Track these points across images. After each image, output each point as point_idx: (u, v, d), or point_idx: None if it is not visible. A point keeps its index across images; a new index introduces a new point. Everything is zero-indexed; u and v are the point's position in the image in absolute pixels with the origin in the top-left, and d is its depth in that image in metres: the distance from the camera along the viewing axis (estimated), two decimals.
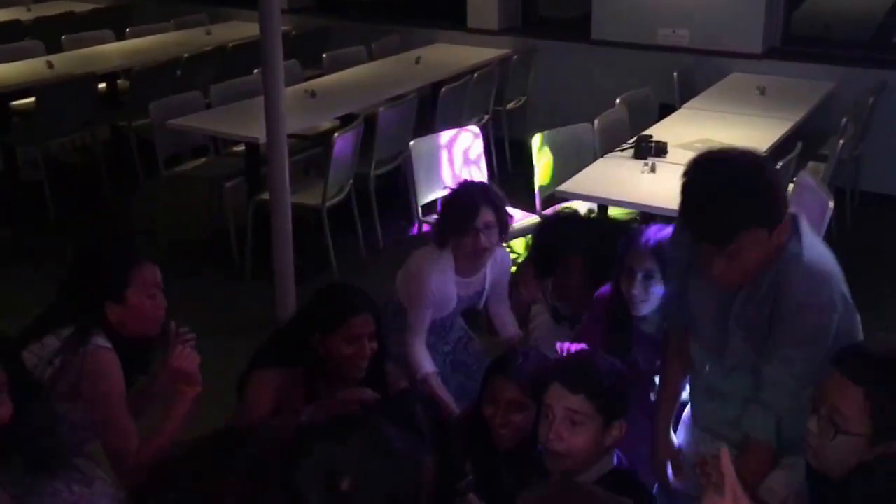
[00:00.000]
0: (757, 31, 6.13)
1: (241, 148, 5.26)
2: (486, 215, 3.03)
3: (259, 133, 4.17)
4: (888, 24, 6.33)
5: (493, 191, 3.15)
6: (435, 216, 3.28)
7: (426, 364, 3.05)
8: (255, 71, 5.73)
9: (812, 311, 2.03)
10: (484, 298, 3.25)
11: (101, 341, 2.33)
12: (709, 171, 1.99)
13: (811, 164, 5.06)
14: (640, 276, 2.58)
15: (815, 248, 2.09)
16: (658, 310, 2.60)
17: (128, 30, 7.39)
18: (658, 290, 2.59)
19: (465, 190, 3.15)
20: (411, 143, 4.66)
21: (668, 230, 2.60)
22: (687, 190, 1.99)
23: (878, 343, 1.89)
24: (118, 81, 6.64)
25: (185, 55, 6.44)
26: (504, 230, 3.13)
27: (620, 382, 2.15)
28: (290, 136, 3.97)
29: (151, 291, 2.43)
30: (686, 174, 2.00)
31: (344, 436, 1.54)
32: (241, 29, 7.36)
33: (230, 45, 6.83)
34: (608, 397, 2.07)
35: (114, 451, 2.35)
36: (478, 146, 4.90)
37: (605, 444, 2.09)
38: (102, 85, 6.41)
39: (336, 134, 4.76)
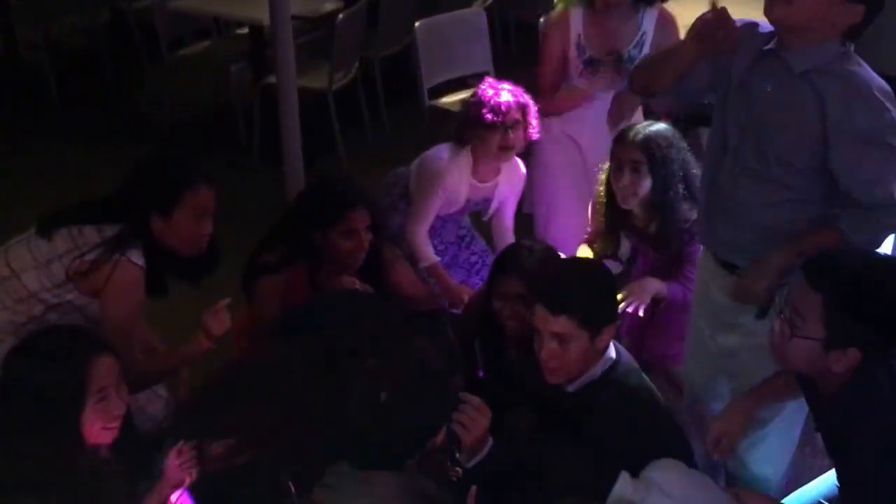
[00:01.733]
0: None
1: (245, 31, 5.21)
2: (516, 114, 3.08)
3: (263, 15, 4.13)
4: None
5: (525, 98, 3.16)
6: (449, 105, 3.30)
7: (430, 254, 3.17)
8: None
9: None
10: (492, 208, 3.32)
11: (136, 257, 2.38)
12: None
13: None
14: (627, 168, 2.71)
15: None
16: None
17: None
18: (646, 182, 2.69)
19: (496, 87, 3.15)
20: (416, 24, 4.62)
21: (657, 125, 2.77)
22: None
23: (847, 254, 1.99)
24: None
25: None
26: (527, 137, 3.16)
27: (603, 291, 2.20)
28: (293, 17, 3.94)
29: (199, 213, 2.45)
30: None
31: (387, 352, 1.63)
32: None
33: None
34: (590, 311, 2.12)
35: None
36: (482, 29, 4.86)
37: (598, 348, 2.16)
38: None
39: (339, 16, 4.72)
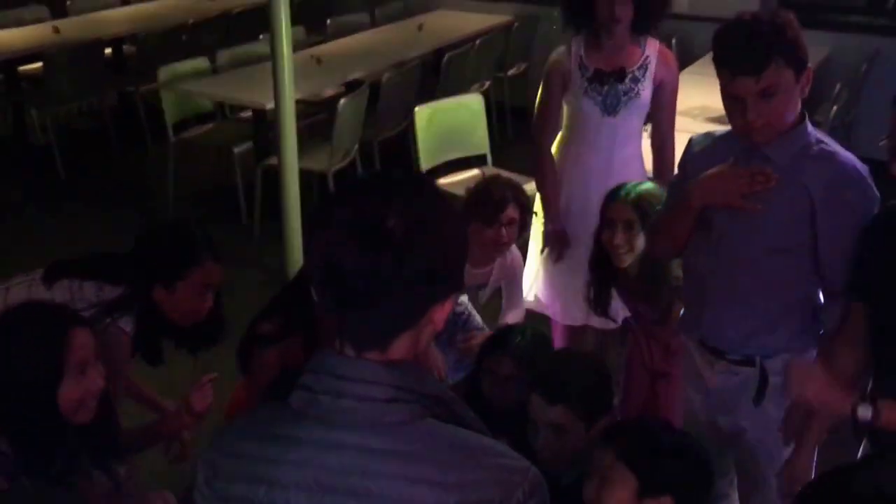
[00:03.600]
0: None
1: (248, 113, 5.36)
2: (512, 212, 3.13)
3: (266, 98, 4.27)
4: None
5: (523, 190, 3.24)
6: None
7: None
8: (261, 37, 5.82)
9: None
10: (486, 294, 3.35)
11: (125, 323, 2.36)
12: (739, 20, 2.14)
13: None
14: (620, 226, 2.71)
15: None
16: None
17: None
18: (640, 240, 2.71)
19: (498, 182, 3.24)
20: (416, 109, 4.77)
21: (647, 184, 2.79)
22: (724, 32, 2.13)
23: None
24: (124, 47, 6.73)
25: (191, 20, 6.52)
26: (523, 230, 3.24)
27: (600, 381, 2.22)
28: (296, 101, 4.08)
29: (203, 288, 2.44)
30: (719, 29, 2.15)
31: None
32: None
33: (235, 10, 6.90)
34: (588, 402, 2.13)
35: None
36: (480, 113, 5.01)
37: (593, 436, 2.14)
38: (108, 50, 6.50)
39: (341, 100, 4.87)
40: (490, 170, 4.50)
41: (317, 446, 1.21)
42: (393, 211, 1.18)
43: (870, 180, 2.17)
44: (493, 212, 3.12)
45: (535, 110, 3.42)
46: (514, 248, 3.37)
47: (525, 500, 1.21)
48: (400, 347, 1.24)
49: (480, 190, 3.22)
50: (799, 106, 2.17)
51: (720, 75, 2.15)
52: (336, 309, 1.23)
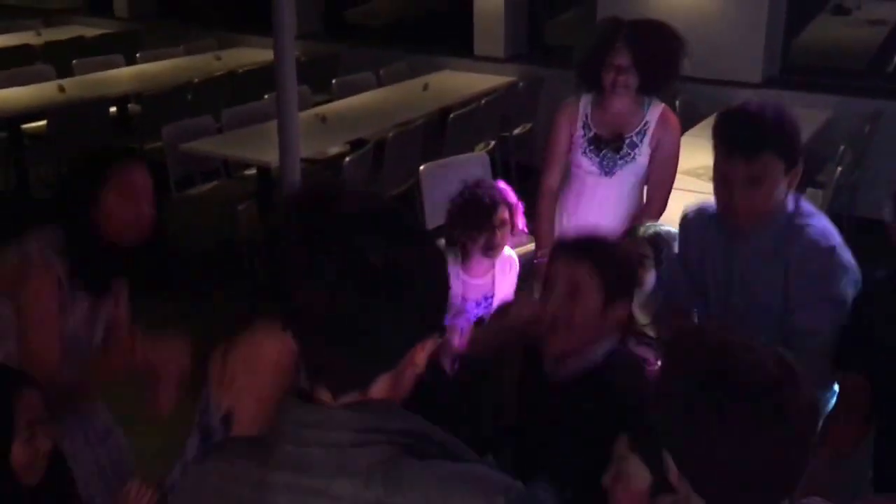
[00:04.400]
0: (756, 60, 6.27)
1: (252, 171, 5.36)
2: (503, 213, 3.15)
3: (271, 157, 4.27)
4: (882, 55, 6.47)
5: (506, 190, 3.25)
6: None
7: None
8: (266, 96, 5.86)
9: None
10: (495, 303, 3.30)
11: (50, 253, 2.27)
12: (745, 106, 2.27)
13: (809, 190, 5.17)
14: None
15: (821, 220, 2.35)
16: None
17: (138, 54, 7.52)
18: (651, 277, 2.73)
19: (483, 186, 3.24)
20: (421, 168, 4.77)
21: (666, 226, 2.85)
22: (729, 112, 2.28)
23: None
24: (129, 106, 6.76)
25: (196, 80, 6.56)
26: (513, 229, 3.23)
27: (628, 262, 2.20)
28: (301, 160, 4.07)
29: (130, 193, 2.31)
30: (725, 110, 2.31)
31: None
32: (249, 54, 7.50)
33: (240, 70, 6.95)
34: (613, 271, 2.07)
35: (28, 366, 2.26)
36: (485, 171, 5.00)
37: (607, 321, 2.07)
38: (113, 109, 6.53)
39: (346, 158, 4.87)
40: None
41: (292, 492, 1.19)
42: (376, 247, 1.15)
43: (840, 250, 2.26)
44: (485, 217, 3.11)
45: (544, 149, 3.56)
46: (514, 255, 3.36)
47: None
48: (380, 389, 1.21)
49: (468, 198, 3.20)
50: (783, 196, 2.26)
51: (715, 152, 2.26)
52: (312, 350, 1.20)
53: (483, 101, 6.09)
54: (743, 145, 2.17)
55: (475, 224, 3.14)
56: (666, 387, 1.42)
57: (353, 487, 1.16)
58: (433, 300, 1.22)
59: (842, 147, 5.11)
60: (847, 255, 2.29)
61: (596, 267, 2.03)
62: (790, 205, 2.30)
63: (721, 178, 2.24)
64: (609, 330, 2.08)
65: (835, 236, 2.30)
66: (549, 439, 2.04)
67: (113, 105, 6.43)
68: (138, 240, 2.37)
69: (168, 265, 2.53)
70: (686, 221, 2.53)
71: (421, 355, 1.23)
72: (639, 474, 1.78)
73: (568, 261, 2.07)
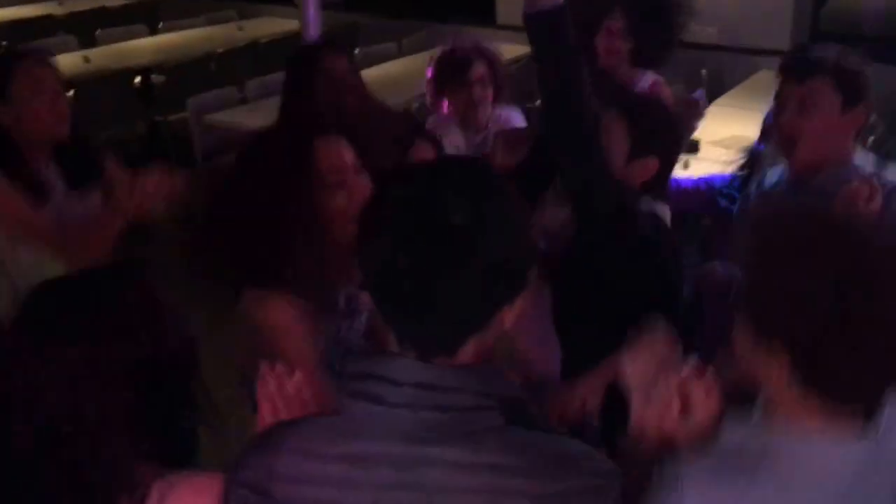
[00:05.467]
0: (785, 27, 6.17)
1: None
2: (479, 68, 3.06)
3: None
4: None
5: (486, 46, 3.19)
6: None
7: None
8: None
9: None
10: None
11: None
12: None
13: None
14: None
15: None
16: None
17: (160, 24, 7.51)
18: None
19: (459, 44, 3.20)
20: None
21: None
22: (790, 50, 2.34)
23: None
24: (152, 76, 6.76)
25: (219, 50, 6.54)
26: (500, 87, 3.16)
27: (667, 122, 2.26)
28: None
29: (37, 88, 2.35)
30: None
31: None
32: (271, 24, 7.46)
33: (262, 40, 6.92)
34: (641, 125, 2.17)
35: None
36: None
37: (632, 171, 2.16)
38: (137, 79, 6.53)
39: None
40: None
41: (399, 465, 1.11)
42: (458, 206, 1.10)
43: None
44: (460, 72, 3.05)
45: None
46: (508, 109, 3.30)
47: (608, 499, 1.14)
48: (468, 352, 1.16)
49: (443, 57, 3.17)
50: (846, 142, 2.18)
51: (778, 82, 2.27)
52: (397, 315, 1.15)
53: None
54: (798, 66, 2.19)
55: (453, 81, 3.06)
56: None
57: (472, 456, 1.11)
58: (519, 260, 1.17)
59: (874, 116, 5.03)
60: None
61: (628, 121, 2.14)
62: (861, 160, 2.22)
63: (777, 108, 2.24)
64: (635, 181, 2.16)
65: None
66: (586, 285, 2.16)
67: (137, 75, 6.44)
68: (58, 136, 2.40)
69: (92, 160, 2.47)
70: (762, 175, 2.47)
71: (509, 316, 1.17)
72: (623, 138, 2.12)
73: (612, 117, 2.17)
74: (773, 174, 2.38)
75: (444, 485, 1.10)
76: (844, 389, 1.24)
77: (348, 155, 1.82)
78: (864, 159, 2.26)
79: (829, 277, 1.19)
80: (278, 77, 5.86)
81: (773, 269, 1.24)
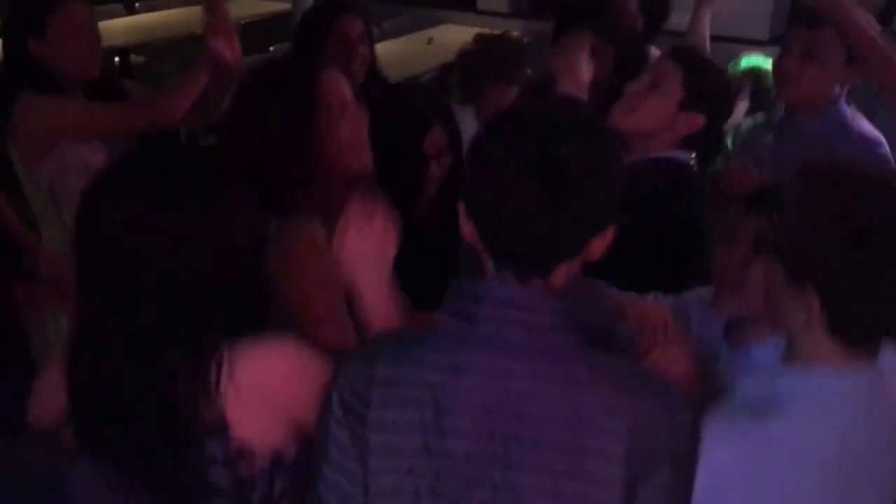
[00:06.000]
0: (765, 18, 6.24)
1: None
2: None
3: None
4: (890, 10, 6.43)
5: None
6: None
7: None
8: (271, 48, 5.79)
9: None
10: None
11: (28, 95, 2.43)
12: None
13: None
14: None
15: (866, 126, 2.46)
16: None
17: (137, 4, 7.42)
18: (744, 106, 3.02)
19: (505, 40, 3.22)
20: None
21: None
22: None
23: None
24: (131, 56, 6.69)
25: (199, 31, 6.47)
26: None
27: (720, 82, 2.27)
28: None
29: (75, 28, 2.46)
30: None
31: None
32: (254, 5, 7.40)
33: (242, 21, 6.86)
34: (699, 82, 2.20)
35: None
36: None
37: (677, 124, 2.20)
38: (116, 60, 6.45)
39: None
40: None
41: (482, 373, 1.22)
42: (571, 151, 1.20)
43: (885, 149, 2.41)
44: (514, 69, 3.04)
45: None
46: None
47: (684, 430, 1.24)
48: (559, 276, 1.27)
49: (488, 43, 3.12)
50: (839, 90, 2.40)
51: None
52: (499, 241, 1.26)
53: None
54: (808, 16, 2.36)
55: (503, 75, 2.98)
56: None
57: (550, 369, 1.21)
58: (614, 196, 1.27)
59: (851, 105, 5.11)
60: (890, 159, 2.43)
61: (681, 66, 2.17)
62: (843, 106, 2.42)
63: (783, 50, 2.40)
64: (677, 136, 2.19)
65: (884, 143, 2.41)
66: None
67: (116, 55, 6.37)
68: (90, 76, 2.53)
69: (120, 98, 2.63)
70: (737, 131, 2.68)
71: (600, 245, 1.28)
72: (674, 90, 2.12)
73: (662, 57, 2.24)
74: (748, 122, 2.57)
75: (526, 393, 1.20)
76: (863, 332, 1.35)
77: (348, 88, 1.93)
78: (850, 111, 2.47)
79: (859, 227, 1.29)
80: (260, 59, 5.85)
81: (810, 219, 1.33)
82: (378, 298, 1.55)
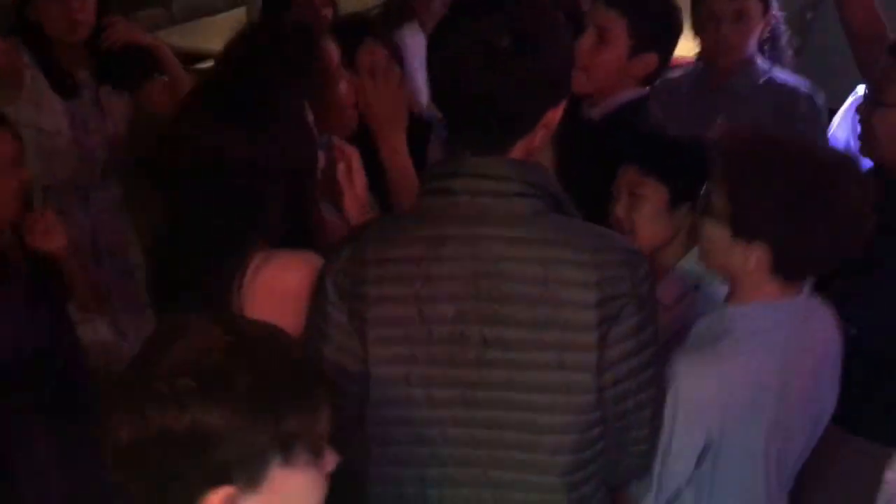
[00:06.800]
0: None
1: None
2: None
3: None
4: None
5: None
6: None
7: None
8: None
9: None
10: None
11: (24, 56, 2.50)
12: None
13: None
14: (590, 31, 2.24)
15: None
16: None
17: None
18: None
19: None
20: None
21: None
22: None
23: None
24: None
25: None
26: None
27: (664, 13, 2.18)
28: None
29: None
30: None
31: None
32: None
33: None
34: (645, 21, 2.12)
35: None
36: None
37: (636, 67, 2.15)
38: None
39: None
40: None
41: (462, 241, 1.33)
42: (507, 28, 1.29)
43: (817, 98, 2.52)
44: None
45: None
46: None
47: (644, 279, 1.35)
48: (517, 151, 1.36)
49: None
50: (756, 42, 2.53)
51: None
52: (459, 120, 1.35)
53: None
54: None
55: None
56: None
57: (520, 232, 1.32)
58: (561, 66, 1.36)
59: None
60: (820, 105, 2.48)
61: (626, 16, 2.10)
62: (763, 63, 2.52)
63: (708, 16, 2.47)
64: (635, 79, 2.16)
65: (808, 87, 2.52)
66: (580, 173, 1.98)
67: None
68: (80, 37, 2.54)
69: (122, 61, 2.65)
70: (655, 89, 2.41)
71: (553, 116, 1.36)
72: (654, 196, 1.88)
73: (602, 4, 2.13)
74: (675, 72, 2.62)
75: (502, 255, 1.32)
76: (800, 269, 1.59)
77: (335, 50, 2.00)
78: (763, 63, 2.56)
79: (801, 189, 1.51)
80: None
81: (754, 184, 1.53)
82: (398, 149, 1.76)
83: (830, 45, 5.43)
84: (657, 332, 1.39)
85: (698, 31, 2.53)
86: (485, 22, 1.30)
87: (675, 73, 2.61)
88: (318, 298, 1.41)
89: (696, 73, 2.64)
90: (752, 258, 1.54)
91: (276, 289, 1.54)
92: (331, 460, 1.14)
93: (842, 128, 2.70)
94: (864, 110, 2.04)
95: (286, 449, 1.08)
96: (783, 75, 2.56)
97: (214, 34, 3.30)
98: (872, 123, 2.00)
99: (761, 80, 2.50)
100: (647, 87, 2.20)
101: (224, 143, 1.55)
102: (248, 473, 1.07)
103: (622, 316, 1.32)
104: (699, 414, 1.52)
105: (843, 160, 1.63)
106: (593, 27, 2.12)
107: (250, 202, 1.58)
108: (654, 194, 1.90)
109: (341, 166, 1.73)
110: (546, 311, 1.31)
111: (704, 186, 1.63)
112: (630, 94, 2.16)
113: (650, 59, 2.15)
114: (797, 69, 5.58)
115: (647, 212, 1.91)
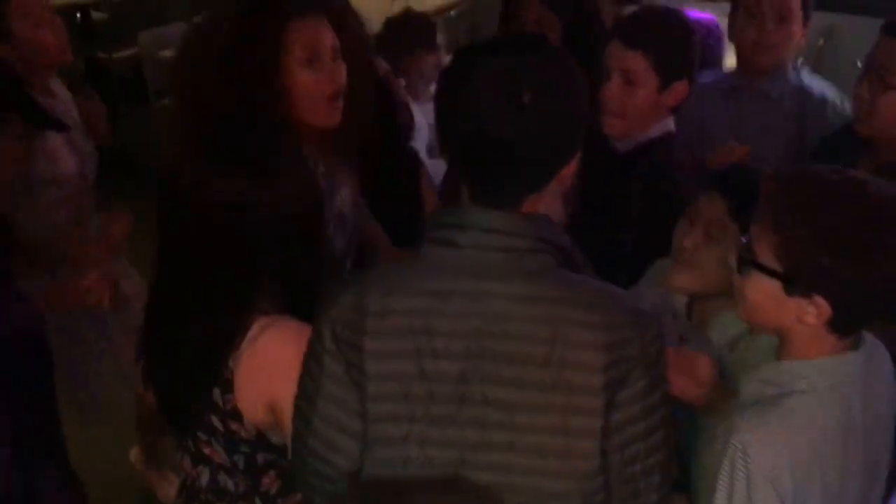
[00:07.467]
0: None
1: None
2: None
3: None
4: None
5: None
6: None
7: None
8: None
9: None
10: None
11: None
12: None
13: None
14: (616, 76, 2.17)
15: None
16: None
17: None
18: None
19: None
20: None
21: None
22: None
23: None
24: (92, 13, 6.60)
25: None
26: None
27: (682, 39, 2.12)
28: None
29: (38, 19, 2.34)
30: None
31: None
32: None
33: None
34: (666, 55, 2.04)
35: None
36: None
37: (662, 103, 2.09)
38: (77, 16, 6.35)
39: None
40: None
41: (467, 296, 1.28)
42: (528, 82, 1.25)
43: (844, 104, 2.48)
44: (427, 34, 3.26)
45: None
46: None
47: (654, 341, 1.31)
48: (528, 205, 1.33)
49: (404, 19, 3.32)
50: (794, 48, 2.53)
51: None
52: (474, 174, 1.32)
53: (452, 13, 6.11)
54: None
55: (417, 43, 3.15)
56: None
57: (528, 290, 1.28)
58: (577, 128, 1.33)
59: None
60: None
61: (649, 54, 2.02)
62: (797, 69, 2.56)
63: (748, 14, 2.47)
64: (663, 111, 2.09)
65: (834, 92, 2.53)
66: (605, 207, 2.05)
67: (77, 11, 6.30)
68: (61, 60, 2.45)
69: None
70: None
71: (566, 173, 1.34)
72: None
73: (622, 51, 2.05)
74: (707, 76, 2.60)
75: (507, 314, 1.28)
76: (859, 325, 1.49)
77: (328, 37, 1.92)
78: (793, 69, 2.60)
79: (868, 243, 1.39)
80: None
81: (808, 235, 1.40)
82: None
83: (842, 73, 5.50)
84: (667, 393, 1.35)
85: (733, 36, 2.56)
86: (507, 73, 1.26)
87: (706, 78, 2.59)
88: (313, 348, 1.37)
89: (727, 77, 2.67)
90: (811, 313, 1.43)
91: (271, 357, 1.52)
92: None
93: None
94: (867, 90, 2.03)
95: None
96: (812, 81, 2.59)
97: None
98: (877, 105, 2.00)
99: (791, 85, 2.53)
100: (672, 120, 2.14)
101: (230, 189, 1.51)
102: None
103: (630, 379, 1.28)
104: (775, 482, 1.45)
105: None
106: (618, 72, 2.06)
107: (252, 254, 1.55)
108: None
109: None
110: (551, 372, 1.27)
111: (744, 241, 1.50)
112: (659, 127, 2.12)
113: (681, 88, 2.10)
114: None
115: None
